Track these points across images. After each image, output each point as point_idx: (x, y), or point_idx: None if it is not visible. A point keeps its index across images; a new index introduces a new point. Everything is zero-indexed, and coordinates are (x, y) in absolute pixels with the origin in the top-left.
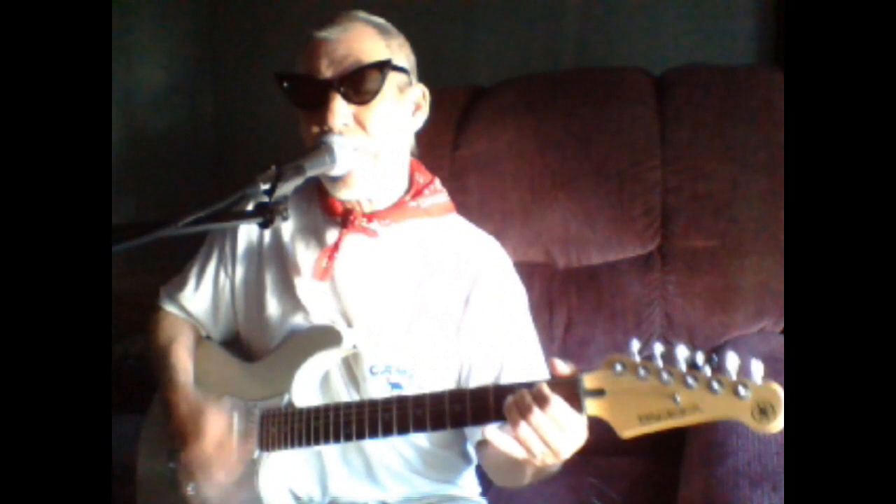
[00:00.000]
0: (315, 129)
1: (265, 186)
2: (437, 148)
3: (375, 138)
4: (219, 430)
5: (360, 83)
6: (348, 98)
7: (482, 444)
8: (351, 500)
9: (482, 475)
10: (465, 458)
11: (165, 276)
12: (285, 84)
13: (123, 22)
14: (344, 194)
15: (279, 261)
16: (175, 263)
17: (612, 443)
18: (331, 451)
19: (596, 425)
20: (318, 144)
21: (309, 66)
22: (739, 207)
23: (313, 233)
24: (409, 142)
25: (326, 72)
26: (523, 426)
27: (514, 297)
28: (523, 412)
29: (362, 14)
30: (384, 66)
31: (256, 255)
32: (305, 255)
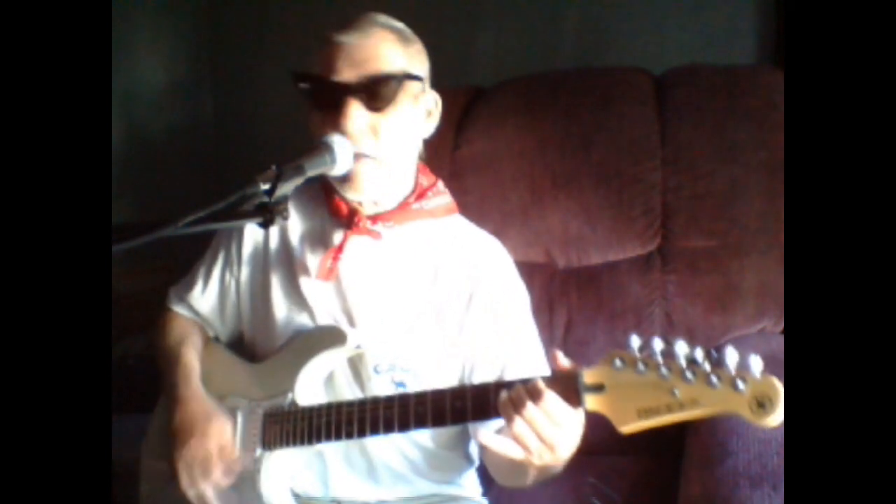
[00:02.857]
0: (330, 132)
1: (265, 186)
2: (437, 148)
3: (386, 144)
4: (223, 433)
5: (377, 91)
6: (365, 104)
7: None
8: (352, 500)
9: (483, 475)
10: (468, 458)
11: (165, 276)
12: (301, 84)
13: (123, 22)
14: (350, 194)
15: (286, 262)
16: (175, 263)
17: (612, 442)
18: (333, 452)
19: (596, 425)
20: (317, 144)
21: (327, 68)
22: (739, 207)
23: (319, 234)
24: (417, 147)
25: (345, 75)
26: (518, 421)
27: (516, 296)
28: (517, 407)
29: (382, 18)
30: (402, 77)
31: (262, 257)
32: (311, 256)
